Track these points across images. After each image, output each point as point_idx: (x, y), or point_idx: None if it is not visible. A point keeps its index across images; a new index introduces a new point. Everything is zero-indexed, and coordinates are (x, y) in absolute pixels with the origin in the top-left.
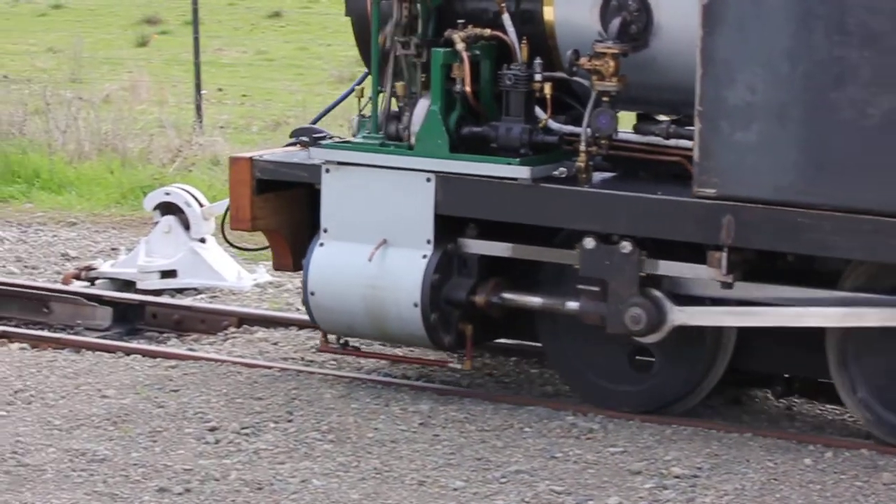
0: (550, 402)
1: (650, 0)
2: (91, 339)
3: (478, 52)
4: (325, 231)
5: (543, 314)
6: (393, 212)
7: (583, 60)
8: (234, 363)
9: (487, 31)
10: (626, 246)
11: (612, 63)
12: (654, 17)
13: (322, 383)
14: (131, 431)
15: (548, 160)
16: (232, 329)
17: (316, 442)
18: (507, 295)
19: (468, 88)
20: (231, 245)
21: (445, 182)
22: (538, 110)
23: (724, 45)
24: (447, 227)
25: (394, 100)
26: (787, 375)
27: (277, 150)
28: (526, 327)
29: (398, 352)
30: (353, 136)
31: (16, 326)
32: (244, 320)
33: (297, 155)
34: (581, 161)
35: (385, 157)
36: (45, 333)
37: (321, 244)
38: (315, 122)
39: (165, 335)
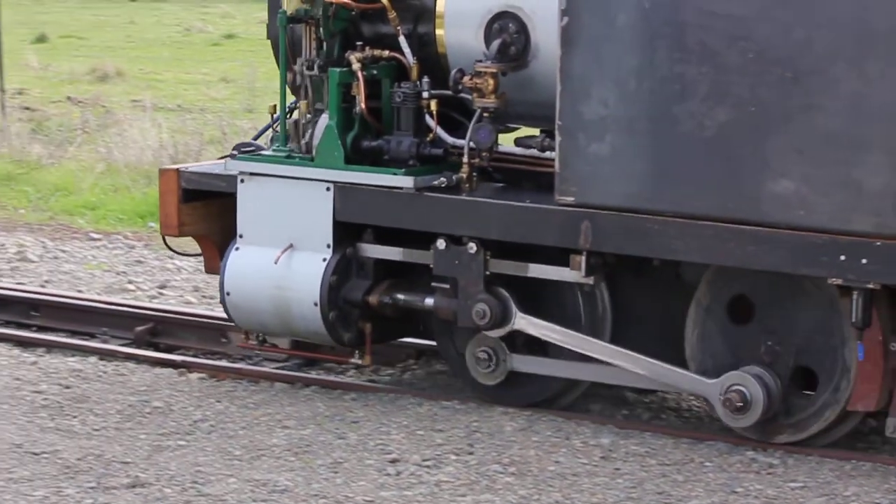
0: (731, 437)
1: (528, 23)
2: (270, 369)
3: (375, 72)
4: (241, 236)
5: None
6: (298, 219)
7: (466, 79)
8: (415, 395)
9: (386, 53)
10: (473, 246)
11: (491, 81)
12: (532, 39)
13: (503, 416)
14: (312, 462)
15: (435, 171)
16: (411, 361)
17: (497, 475)
18: (398, 295)
19: (363, 105)
20: (171, 250)
21: (342, 191)
22: (433, 124)
23: (579, 64)
24: (347, 233)
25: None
26: None
27: (205, 163)
28: (426, 327)
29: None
30: (267, 149)
31: (195, 356)
32: (422, 352)
33: (220, 166)
34: (464, 172)
35: (290, 169)
36: (225, 364)
37: (237, 248)
38: (256, 137)
39: (343, 366)
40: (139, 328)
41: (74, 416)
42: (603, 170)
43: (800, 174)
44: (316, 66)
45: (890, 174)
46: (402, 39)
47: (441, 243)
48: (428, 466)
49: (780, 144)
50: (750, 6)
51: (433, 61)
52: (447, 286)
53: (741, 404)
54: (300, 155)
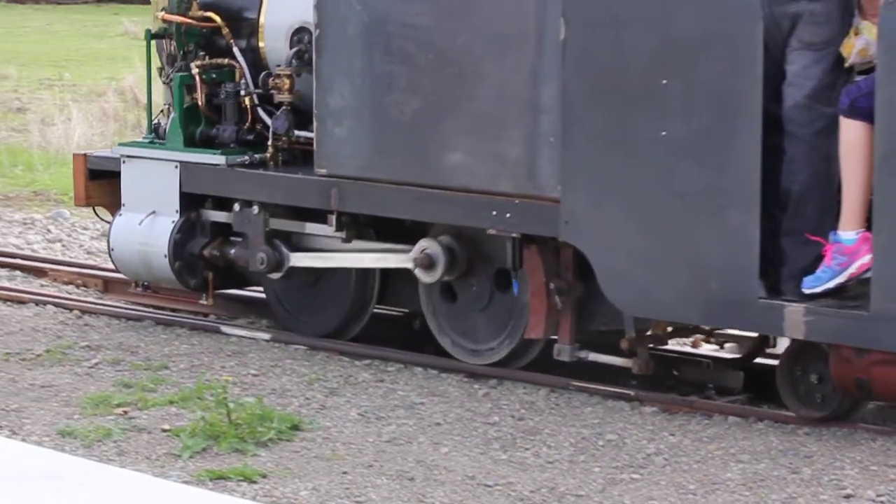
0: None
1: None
2: (723, 403)
3: (215, 76)
4: (124, 205)
5: None
6: (158, 191)
7: (270, 80)
8: (868, 430)
9: (225, 60)
10: (255, 209)
11: (287, 81)
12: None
13: None
14: (767, 497)
15: (243, 152)
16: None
17: None
18: (224, 249)
19: (200, 102)
20: (99, 217)
21: (185, 168)
22: (263, 115)
23: (326, 66)
24: (194, 201)
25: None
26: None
27: (108, 149)
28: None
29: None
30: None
31: (645, 390)
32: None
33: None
34: (269, 152)
35: (151, 152)
36: (677, 397)
37: (120, 214)
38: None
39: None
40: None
41: (527, 449)
42: (343, 148)
43: (466, 148)
44: (171, 73)
45: (523, 148)
46: (235, 50)
47: (236, 206)
48: (882, 502)
49: (453, 126)
50: (430, 19)
51: (259, 67)
52: (240, 239)
53: (429, 264)
54: (159, 141)
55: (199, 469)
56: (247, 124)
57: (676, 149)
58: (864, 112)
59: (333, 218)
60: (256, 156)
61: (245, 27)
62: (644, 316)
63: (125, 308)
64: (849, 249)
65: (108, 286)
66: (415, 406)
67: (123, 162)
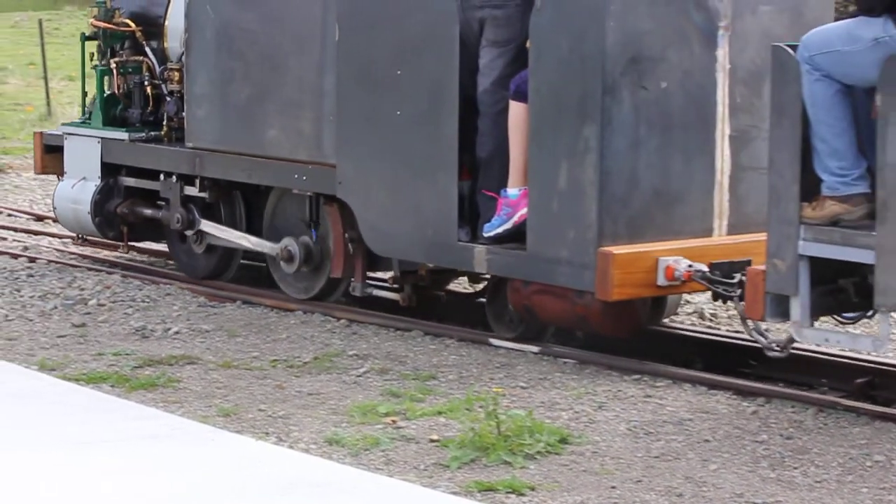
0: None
1: None
2: None
3: (131, 70)
4: (66, 173)
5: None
6: (86, 161)
7: (165, 73)
8: None
9: (140, 57)
10: (173, 178)
11: (176, 74)
12: None
13: None
14: None
15: (143, 130)
16: None
17: None
18: (135, 209)
19: (116, 91)
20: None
21: (105, 143)
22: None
23: (192, 61)
24: (113, 169)
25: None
26: None
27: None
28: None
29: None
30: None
31: None
32: None
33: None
34: (163, 130)
35: (82, 130)
36: None
37: (62, 181)
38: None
39: None
40: (858, 380)
41: (795, 468)
42: (203, 126)
43: (279, 126)
44: (98, 68)
45: (313, 125)
46: (147, 49)
47: (162, 176)
48: None
49: (270, 108)
50: (255, 24)
51: (165, 63)
52: (164, 203)
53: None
54: (88, 122)
55: (467, 480)
56: (149, 108)
57: (406, 125)
58: (524, 95)
59: (198, 181)
60: (153, 133)
61: (154, 31)
62: (390, 256)
63: (393, 318)
64: (513, 202)
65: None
66: (683, 422)
67: (65, 138)
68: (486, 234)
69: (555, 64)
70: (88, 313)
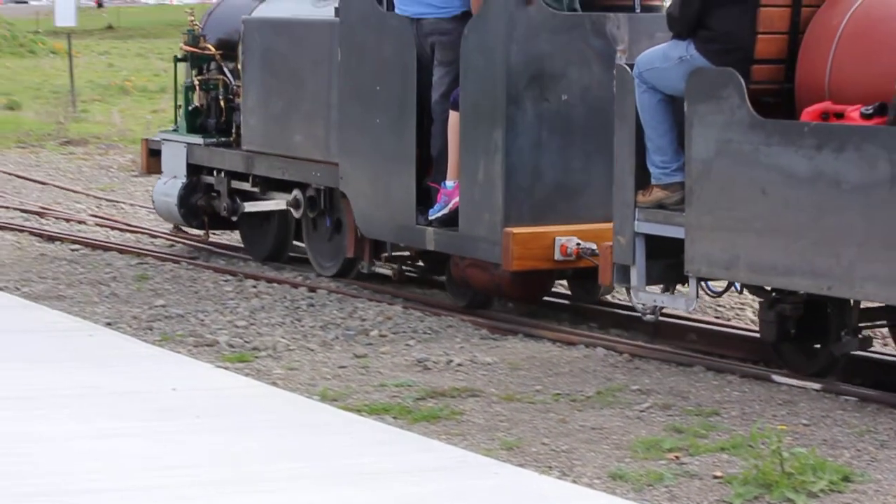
0: None
1: None
2: None
3: (211, 87)
4: (164, 172)
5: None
6: (176, 162)
7: (235, 89)
8: None
9: (219, 76)
10: (222, 175)
11: (241, 90)
12: None
13: None
14: None
15: (218, 136)
16: None
17: None
18: (210, 201)
19: (199, 104)
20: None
21: (190, 148)
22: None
23: (247, 80)
24: (199, 169)
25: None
26: None
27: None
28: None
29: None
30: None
31: None
32: None
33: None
34: (232, 137)
35: (175, 137)
36: None
37: (160, 179)
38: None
39: None
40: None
41: None
42: (253, 133)
43: (301, 132)
44: (186, 85)
45: (323, 131)
46: (225, 69)
47: (215, 173)
48: None
49: (296, 118)
50: (286, 49)
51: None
52: (214, 195)
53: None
54: (177, 130)
55: None
56: (223, 118)
57: (382, 130)
58: (458, 105)
59: (251, 178)
60: (223, 139)
61: (232, 54)
62: (375, 238)
63: (675, 352)
64: (449, 192)
65: (658, 330)
66: None
67: (163, 144)
68: (430, 218)
69: (476, 79)
70: (370, 344)
